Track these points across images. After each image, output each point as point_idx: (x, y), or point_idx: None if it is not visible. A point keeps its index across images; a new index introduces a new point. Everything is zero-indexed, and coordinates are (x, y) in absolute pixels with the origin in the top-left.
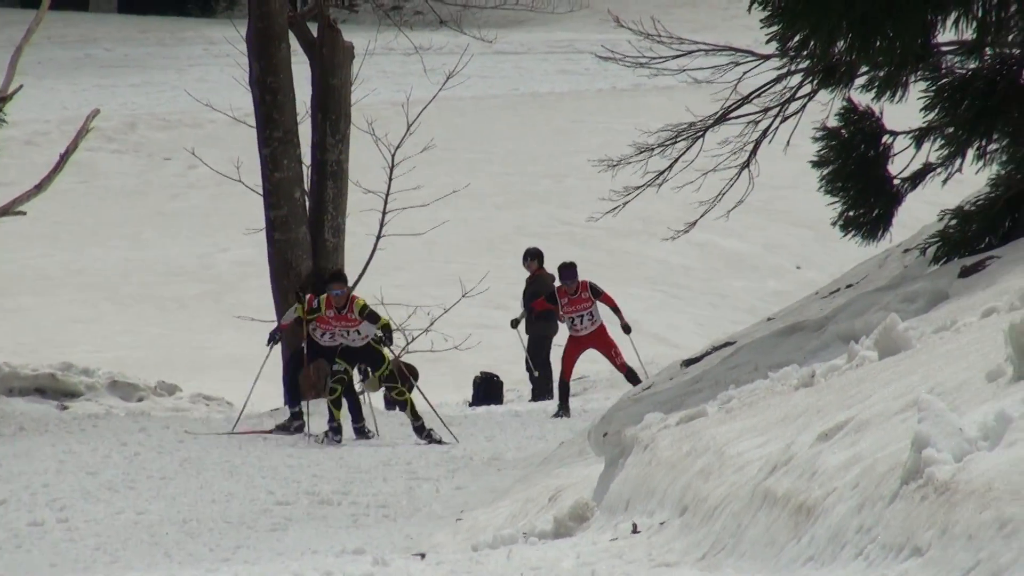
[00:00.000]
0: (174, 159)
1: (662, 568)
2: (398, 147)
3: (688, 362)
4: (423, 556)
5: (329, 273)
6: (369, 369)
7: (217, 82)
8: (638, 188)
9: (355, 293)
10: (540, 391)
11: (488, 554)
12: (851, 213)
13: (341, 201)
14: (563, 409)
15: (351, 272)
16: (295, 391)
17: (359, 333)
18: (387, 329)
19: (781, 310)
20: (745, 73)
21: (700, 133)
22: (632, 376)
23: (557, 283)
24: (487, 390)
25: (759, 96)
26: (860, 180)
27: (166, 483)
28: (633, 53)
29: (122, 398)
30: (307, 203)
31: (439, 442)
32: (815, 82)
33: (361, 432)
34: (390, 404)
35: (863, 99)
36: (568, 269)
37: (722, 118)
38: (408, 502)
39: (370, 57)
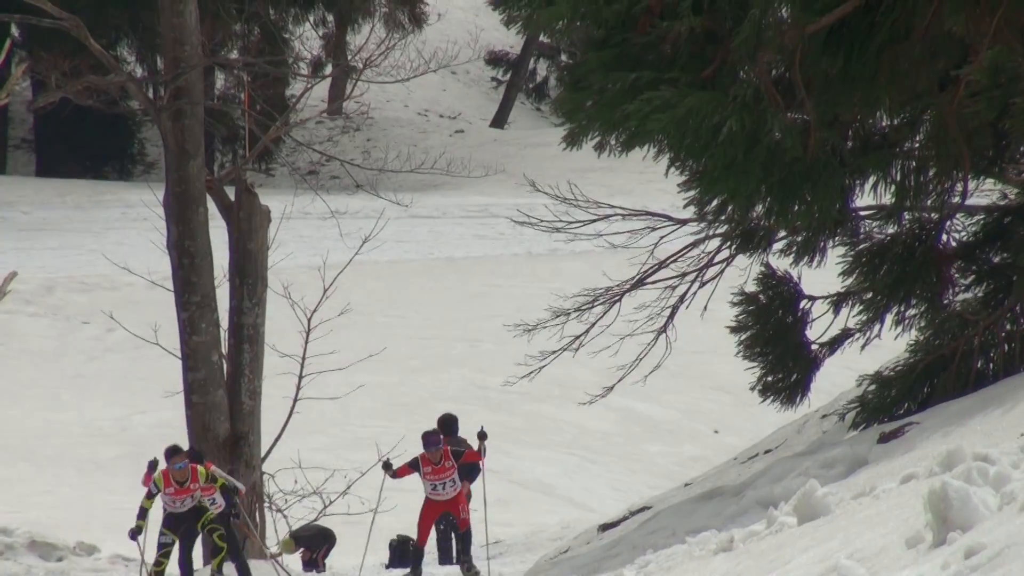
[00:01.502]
0: (92, 322)
1: None
2: (314, 311)
3: (605, 527)
4: None
5: (167, 449)
6: (276, 531)
7: (135, 245)
8: (554, 352)
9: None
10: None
11: None
12: (769, 378)
13: (257, 364)
14: (414, 573)
15: (267, 435)
16: None
17: (192, 499)
18: (228, 491)
19: (699, 475)
20: (662, 238)
21: (617, 298)
22: (467, 537)
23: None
24: (403, 552)
25: (676, 261)
26: (778, 345)
27: None
28: (549, 217)
29: (41, 557)
30: (224, 366)
31: None
32: (733, 247)
33: None
34: (308, 566)
35: (781, 264)
36: (432, 436)
37: (639, 283)
38: None
39: (287, 221)
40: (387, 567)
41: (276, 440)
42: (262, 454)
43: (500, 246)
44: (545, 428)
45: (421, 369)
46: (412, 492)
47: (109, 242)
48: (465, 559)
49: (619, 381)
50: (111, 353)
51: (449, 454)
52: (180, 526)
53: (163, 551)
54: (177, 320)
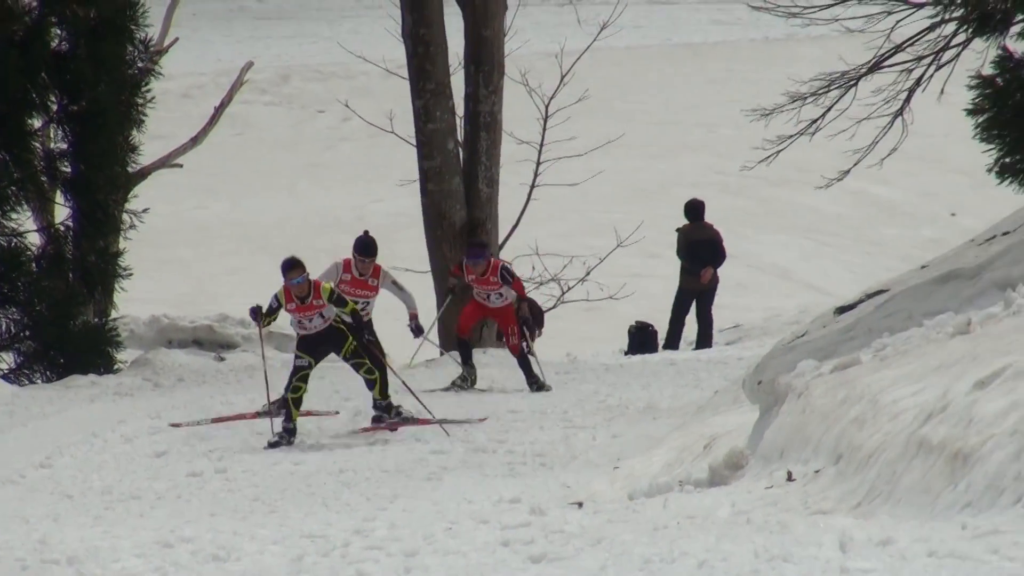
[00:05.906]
0: (328, 111)
1: (817, 515)
2: (552, 98)
3: (841, 310)
4: (580, 505)
5: (285, 262)
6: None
7: (370, 34)
8: (791, 137)
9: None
10: (670, 340)
11: (644, 502)
12: (1007, 160)
13: (495, 152)
14: (465, 368)
15: (505, 222)
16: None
17: (322, 317)
18: (355, 315)
19: (936, 258)
20: (898, 22)
21: (853, 82)
22: (523, 360)
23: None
24: (642, 340)
25: (912, 45)
26: (1016, 128)
27: (322, 433)
28: (786, 2)
29: (277, 348)
30: (460, 154)
31: (409, 419)
32: (970, 30)
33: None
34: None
35: (1019, 47)
36: (475, 248)
37: (875, 67)
38: (565, 450)
39: (523, 7)
40: (626, 354)
41: (514, 227)
42: (500, 241)
43: (737, 32)
44: (782, 212)
45: (659, 155)
46: (651, 278)
47: (344, 30)
48: (530, 380)
49: (855, 164)
50: (346, 142)
51: (497, 270)
52: (318, 349)
53: (299, 374)
54: (412, 108)
